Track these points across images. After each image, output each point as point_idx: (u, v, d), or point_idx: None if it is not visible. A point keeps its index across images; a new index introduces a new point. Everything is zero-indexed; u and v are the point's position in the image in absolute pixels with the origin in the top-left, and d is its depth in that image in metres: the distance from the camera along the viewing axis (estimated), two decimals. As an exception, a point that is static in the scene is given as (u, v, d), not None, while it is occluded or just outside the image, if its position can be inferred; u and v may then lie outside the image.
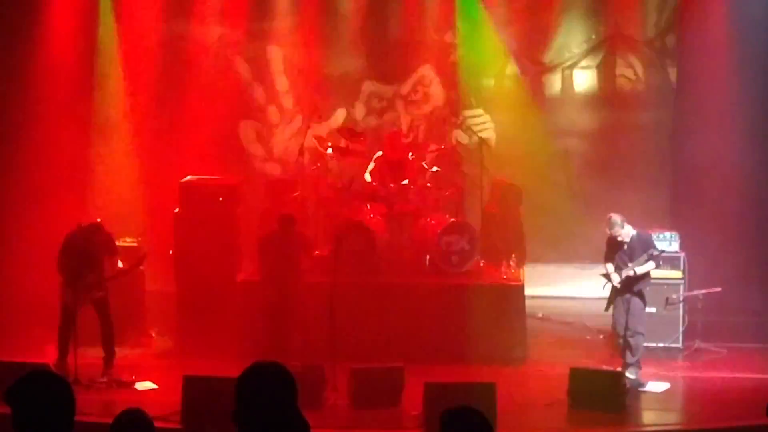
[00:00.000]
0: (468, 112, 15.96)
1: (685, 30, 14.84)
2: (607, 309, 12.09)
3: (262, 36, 15.92)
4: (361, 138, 14.30)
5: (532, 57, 15.91)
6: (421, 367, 11.58)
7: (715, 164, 14.03)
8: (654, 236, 12.47)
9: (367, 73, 16.01)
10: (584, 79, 15.94)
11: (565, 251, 15.58)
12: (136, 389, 11.56)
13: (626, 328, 11.78)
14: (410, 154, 14.08)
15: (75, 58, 14.70)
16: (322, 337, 11.76)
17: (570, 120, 15.98)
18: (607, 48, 15.79)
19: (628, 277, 11.70)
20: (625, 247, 11.80)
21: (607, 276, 11.91)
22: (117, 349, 12.09)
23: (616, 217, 11.76)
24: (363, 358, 11.74)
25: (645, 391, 11.66)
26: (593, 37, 15.80)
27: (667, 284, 12.88)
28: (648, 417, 11.47)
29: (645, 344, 12.13)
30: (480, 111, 16.01)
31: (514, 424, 10.55)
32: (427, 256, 13.49)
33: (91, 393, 11.17)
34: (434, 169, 13.90)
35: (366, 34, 15.80)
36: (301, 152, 13.86)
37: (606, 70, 15.85)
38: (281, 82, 16.10)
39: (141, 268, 13.33)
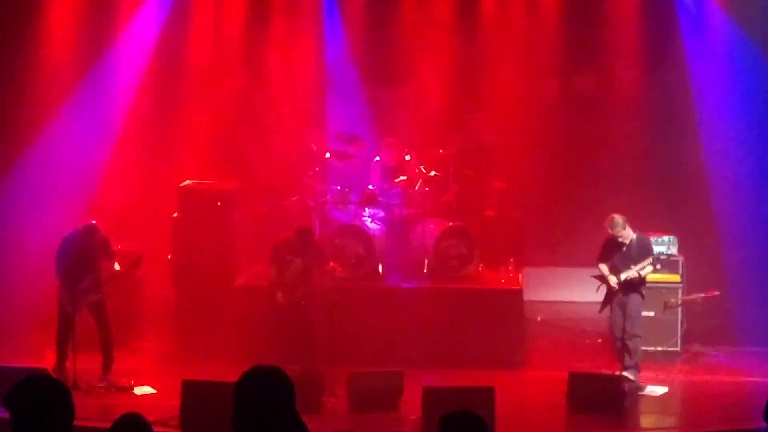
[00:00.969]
0: (467, 116, 15.94)
1: (682, 33, 14.83)
2: (601, 311, 12.11)
3: (261, 40, 15.91)
4: (360, 142, 14.30)
5: (532, 62, 15.90)
6: (419, 371, 11.59)
7: (713, 168, 14.04)
8: (652, 240, 12.49)
9: (365, 76, 16.00)
10: (583, 84, 15.93)
11: (563, 255, 15.57)
12: (134, 394, 11.56)
13: (624, 331, 11.79)
14: (407, 156, 14.07)
15: (74, 61, 14.69)
16: (321, 342, 11.76)
17: (569, 125, 15.97)
18: (606, 53, 15.78)
19: (627, 280, 11.71)
20: (624, 249, 11.81)
21: (601, 278, 11.92)
22: (115, 354, 12.07)
23: (619, 218, 11.79)
24: (361, 363, 11.74)
25: (644, 395, 11.66)
26: (592, 42, 15.79)
27: (666, 288, 12.90)
28: (647, 420, 11.48)
29: (644, 348, 12.15)
30: (479, 115, 15.99)
31: (513, 429, 10.55)
32: (426, 261, 13.49)
33: (90, 398, 11.17)
34: (433, 173, 13.91)
35: (365, 36, 15.79)
36: (300, 156, 13.84)
37: (605, 76, 15.85)
38: (279, 87, 16.09)
39: (139, 271, 13.33)
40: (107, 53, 15.04)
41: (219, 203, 13.62)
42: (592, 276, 12.07)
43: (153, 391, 11.64)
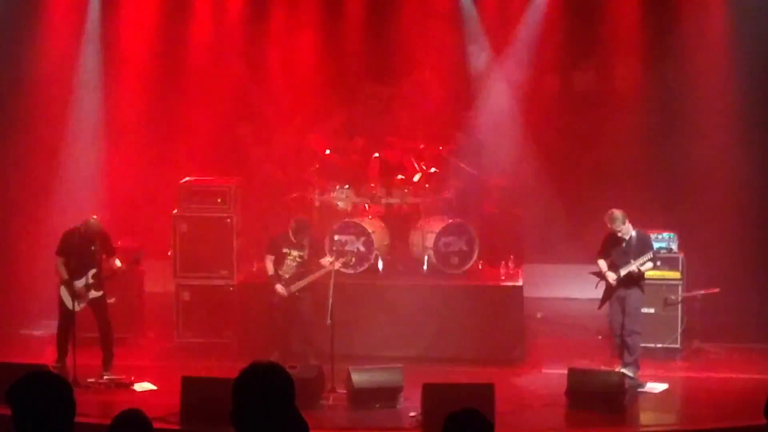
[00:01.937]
0: (466, 113, 15.94)
1: (683, 30, 14.83)
2: (600, 307, 12.12)
3: (261, 36, 15.91)
4: (360, 139, 14.30)
5: (532, 58, 15.89)
6: (419, 367, 11.60)
7: (713, 164, 14.04)
8: (652, 237, 12.49)
9: (365, 73, 16.01)
10: (583, 80, 15.93)
11: (563, 252, 15.57)
12: (134, 390, 11.56)
13: (622, 328, 11.80)
14: (408, 154, 14.07)
15: (74, 59, 14.69)
16: (320, 338, 11.77)
17: (568, 121, 15.97)
18: (606, 50, 15.78)
19: (627, 275, 11.72)
20: (624, 244, 11.82)
21: (599, 274, 11.92)
22: (115, 350, 12.07)
23: (618, 213, 11.79)
24: (361, 359, 11.75)
25: (643, 392, 11.66)
26: (592, 39, 15.79)
27: (666, 285, 12.90)
28: (646, 417, 11.49)
29: (644, 345, 12.15)
30: (477, 112, 15.99)
31: (513, 425, 10.56)
32: (426, 257, 13.49)
33: (90, 394, 11.18)
34: (432, 170, 13.90)
35: (365, 34, 15.79)
36: (299, 153, 13.84)
37: (605, 72, 15.85)
38: (279, 83, 16.09)
39: (140, 268, 13.34)
40: (108, 50, 15.05)
41: (219, 200, 13.63)
42: (590, 272, 12.08)
43: (153, 387, 11.64)
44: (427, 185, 13.83)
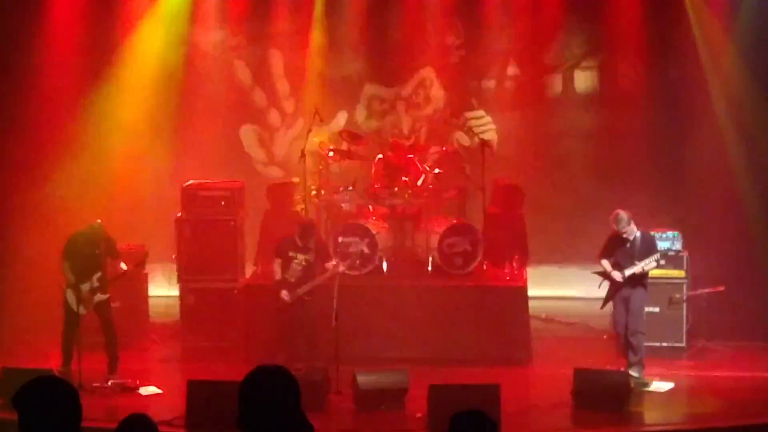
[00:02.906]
0: (469, 114, 15.95)
1: (686, 29, 14.82)
2: (603, 307, 12.11)
3: (263, 39, 15.93)
4: (363, 141, 14.31)
5: (533, 58, 15.91)
6: (425, 369, 11.60)
7: (717, 163, 14.03)
8: (656, 235, 12.48)
9: (368, 75, 16.03)
10: (585, 79, 15.93)
11: (567, 252, 15.57)
12: (140, 394, 11.56)
13: (626, 328, 11.80)
14: (411, 155, 14.06)
15: (78, 63, 14.70)
16: (325, 340, 11.77)
17: (571, 121, 15.97)
18: (608, 48, 15.78)
19: (631, 275, 11.72)
20: (628, 245, 11.81)
21: (604, 274, 11.91)
22: (121, 354, 12.07)
23: (623, 214, 11.79)
24: (367, 361, 11.74)
25: (649, 391, 11.65)
26: (594, 37, 15.80)
27: (670, 283, 12.88)
28: (653, 417, 11.46)
29: (649, 344, 12.15)
30: (482, 112, 16.01)
31: (519, 425, 10.56)
32: (430, 258, 13.49)
33: (96, 398, 11.17)
34: (436, 171, 13.90)
35: (367, 36, 15.80)
36: (302, 156, 13.84)
37: (607, 71, 15.85)
38: (282, 86, 16.11)
39: (144, 271, 13.34)
40: (113, 54, 15.07)
41: (223, 202, 13.63)
42: (593, 272, 12.07)
43: (158, 391, 11.64)
44: (431, 186, 13.82)
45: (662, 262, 12.18)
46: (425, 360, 12.18)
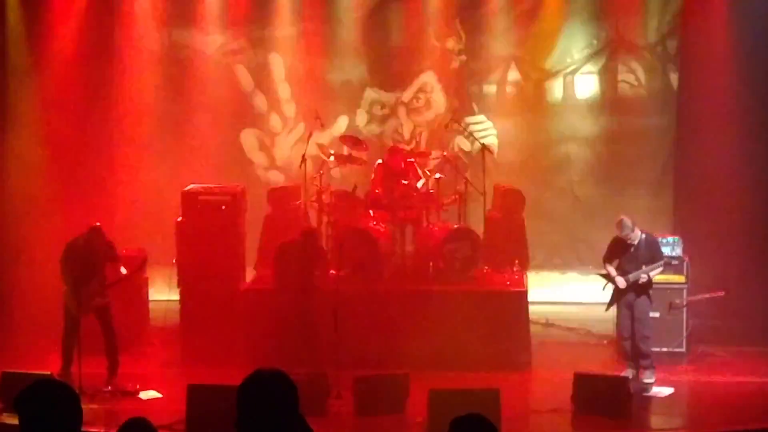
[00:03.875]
0: (470, 119, 15.96)
1: (686, 34, 14.84)
2: (607, 309, 12.13)
3: (264, 44, 15.95)
4: (364, 145, 14.31)
5: (534, 63, 15.93)
6: (425, 373, 11.57)
7: (717, 168, 14.02)
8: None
9: (368, 80, 16.05)
10: (586, 84, 15.95)
11: (568, 257, 15.58)
12: (140, 398, 11.55)
13: (633, 334, 11.84)
14: (412, 160, 14.07)
15: (81, 66, 14.71)
16: (326, 345, 11.76)
17: (572, 126, 15.99)
18: (609, 53, 15.80)
19: (636, 280, 11.74)
20: (632, 250, 11.83)
21: (607, 276, 11.93)
22: (121, 358, 12.07)
23: (628, 220, 11.82)
24: (367, 366, 11.74)
25: (650, 396, 11.65)
26: (595, 42, 15.82)
27: (671, 289, 12.87)
28: (653, 422, 11.47)
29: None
30: (482, 117, 16.02)
31: (519, 430, 10.54)
32: (431, 263, 13.49)
33: (96, 402, 11.15)
34: (437, 175, 13.91)
35: (367, 41, 15.83)
36: (303, 160, 13.86)
37: (608, 76, 15.87)
38: (283, 90, 16.13)
39: (143, 275, 13.34)
40: (113, 56, 15.08)
41: (223, 207, 13.62)
42: (598, 273, 12.07)
43: (159, 395, 11.63)
44: (431, 191, 13.83)
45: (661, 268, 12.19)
46: (425, 364, 12.16)
